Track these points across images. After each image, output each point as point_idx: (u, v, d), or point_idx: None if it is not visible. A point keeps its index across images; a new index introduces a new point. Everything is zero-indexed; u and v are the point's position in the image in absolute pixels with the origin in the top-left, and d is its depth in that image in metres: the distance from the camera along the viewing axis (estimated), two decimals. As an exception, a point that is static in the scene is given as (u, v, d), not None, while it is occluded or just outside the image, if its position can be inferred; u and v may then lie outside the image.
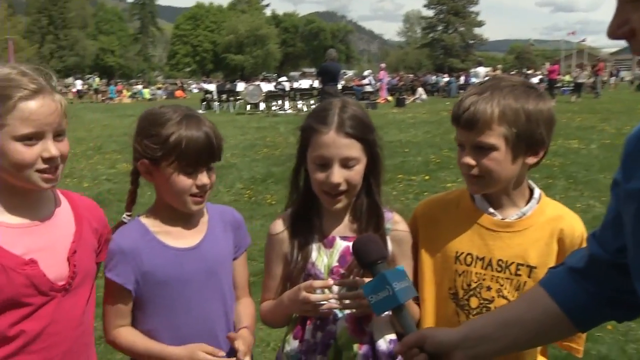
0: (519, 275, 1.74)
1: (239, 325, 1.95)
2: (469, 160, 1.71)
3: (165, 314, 1.85)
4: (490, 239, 1.78)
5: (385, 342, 1.83)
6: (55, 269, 1.63)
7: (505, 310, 1.50)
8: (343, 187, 1.80)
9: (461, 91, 30.14)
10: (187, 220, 1.91)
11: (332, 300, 1.76)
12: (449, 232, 1.84)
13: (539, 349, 1.83)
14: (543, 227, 1.76)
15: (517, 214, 1.78)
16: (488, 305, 1.77)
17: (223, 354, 1.79)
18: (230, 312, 1.96)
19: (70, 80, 52.53)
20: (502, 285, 1.76)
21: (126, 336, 1.85)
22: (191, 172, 1.79)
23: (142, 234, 1.86)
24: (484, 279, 1.77)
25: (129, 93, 42.91)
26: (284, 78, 37.15)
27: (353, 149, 1.79)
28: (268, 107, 24.38)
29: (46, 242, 1.64)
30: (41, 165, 1.57)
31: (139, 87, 46.58)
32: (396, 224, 1.92)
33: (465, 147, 1.73)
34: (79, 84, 45.00)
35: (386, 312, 1.53)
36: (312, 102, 23.73)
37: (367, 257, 1.55)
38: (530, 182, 1.85)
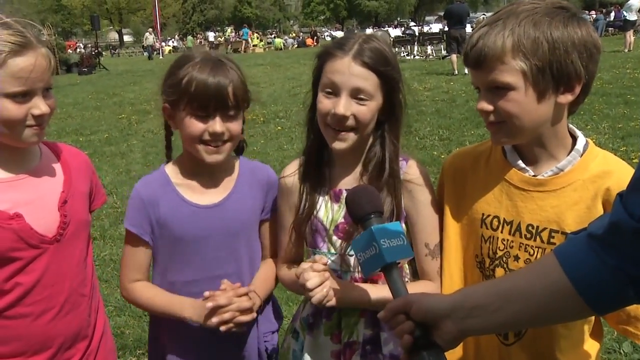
0: (553, 243, 1.43)
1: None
2: (484, 104, 1.41)
3: (180, 269, 1.79)
4: (519, 200, 1.48)
5: None
6: (44, 221, 1.61)
7: (507, 280, 1.25)
8: (350, 122, 1.59)
9: (609, 29, 27.34)
10: (212, 174, 1.82)
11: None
12: (476, 190, 1.56)
13: (587, 330, 1.53)
14: (585, 186, 1.42)
15: (553, 170, 1.46)
16: None
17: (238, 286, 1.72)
18: (249, 274, 1.85)
19: (209, 33, 54.53)
20: (532, 255, 1.46)
21: (144, 291, 1.81)
22: (203, 116, 1.70)
23: (163, 184, 1.80)
24: (511, 247, 1.49)
25: (258, 42, 43.52)
26: (412, 23, 36.01)
27: (368, 81, 1.58)
28: (395, 53, 23.69)
29: (33, 195, 1.62)
30: (31, 122, 1.54)
31: (272, 36, 47.45)
32: (407, 173, 1.68)
33: (480, 90, 1.44)
34: (211, 36, 46.36)
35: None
36: (441, 47, 22.77)
37: (357, 211, 1.37)
38: (573, 128, 1.50)
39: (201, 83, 1.67)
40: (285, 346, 1.84)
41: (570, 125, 1.50)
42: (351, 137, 1.62)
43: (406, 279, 1.72)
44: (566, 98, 1.40)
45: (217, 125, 1.69)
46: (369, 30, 30.81)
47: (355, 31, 1.65)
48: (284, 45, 42.37)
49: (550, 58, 1.35)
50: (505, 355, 1.53)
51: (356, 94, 1.58)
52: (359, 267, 1.36)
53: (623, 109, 9.40)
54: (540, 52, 1.34)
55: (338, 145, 1.63)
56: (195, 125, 1.69)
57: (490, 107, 1.41)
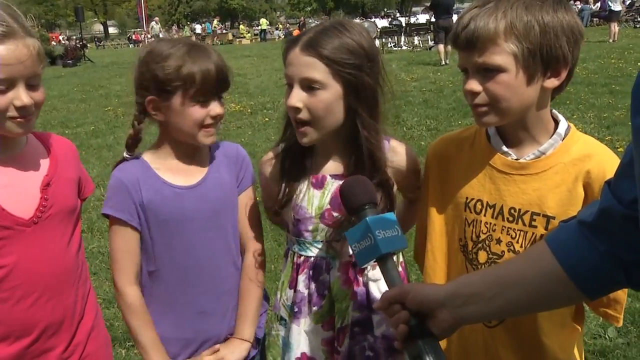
0: (534, 226, 1.46)
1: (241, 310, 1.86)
2: (474, 85, 1.41)
3: (167, 254, 1.79)
4: (502, 183, 1.50)
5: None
6: (21, 204, 1.60)
7: (501, 268, 1.28)
8: (304, 115, 1.57)
9: (594, 19, 27.46)
10: (190, 157, 1.83)
11: None
12: (460, 174, 1.58)
13: (569, 313, 1.56)
14: (566, 169, 1.45)
15: (535, 153, 1.48)
16: (497, 260, 1.50)
17: None
18: (236, 251, 1.88)
19: (196, 25, 53.84)
20: (513, 238, 1.49)
21: (135, 313, 1.78)
22: (203, 102, 1.72)
23: (144, 169, 1.80)
24: (493, 230, 1.51)
25: (246, 33, 43.14)
26: (399, 14, 36.05)
27: (315, 70, 1.54)
28: (382, 44, 23.71)
29: (13, 179, 1.61)
30: (14, 113, 1.53)
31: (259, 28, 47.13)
32: (394, 154, 1.68)
33: (468, 72, 1.44)
34: (198, 28, 45.57)
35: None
36: (428, 37, 22.80)
37: (352, 202, 1.37)
38: (556, 112, 1.52)
39: (205, 70, 1.69)
40: (273, 334, 1.84)
41: (554, 110, 1.52)
42: (311, 131, 1.60)
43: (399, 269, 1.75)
44: (552, 82, 1.42)
45: (217, 108, 1.74)
46: (357, 20, 30.81)
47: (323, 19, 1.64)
48: (268, 25, 42.07)
49: (541, 42, 1.36)
50: (489, 338, 1.56)
51: (306, 84, 1.56)
52: (354, 257, 1.36)
53: (608, 98, 9.48)
54: (532, 35, 1.36)
55: (302, 140, 1.63)
56: (198, 112, 1.71)
57: (479, 88, 1.41)
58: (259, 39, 41.24)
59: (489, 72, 1.40)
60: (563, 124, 1.50)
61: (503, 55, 1.37)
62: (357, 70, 1.57)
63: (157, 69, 1.71)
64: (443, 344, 1.59)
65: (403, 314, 1.23)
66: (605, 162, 1.42)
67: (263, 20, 42.91)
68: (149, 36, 33.41)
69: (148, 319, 1.79)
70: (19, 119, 1.54)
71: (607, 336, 3.33)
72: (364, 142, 1.62)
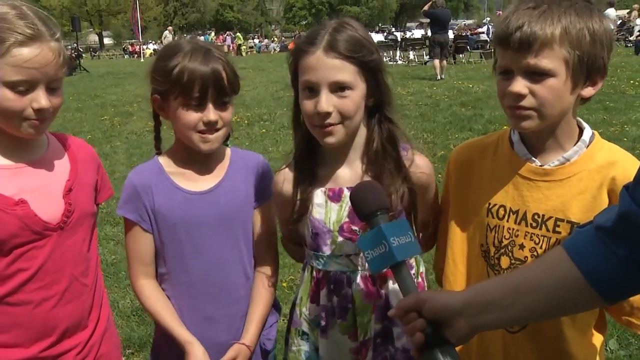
0: (558, 232, 1.46)
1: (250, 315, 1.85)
2: (521, 87, 1.39)
3: (176, 257, 1.80)
4: (525, 189, 1.50)
5: None
6: (48, 208, 1.61)
7: (517, 275, 1.28)
8: (334, 118, 1.54)
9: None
10: (204, 162, 1.83)
11: None
12: (482, 180, 1.59)
13: (592, 320, 1.56)
14: (591, 175, 1.46)
15: (559, 160, 1.49)
16: (520, 266, 1.50)
17: None
18: (248, 261, 1.87)
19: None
20: (537, 244, 1.49)
21: (150, 299, 1.82)
22: (196, 106, 1.70)
23: (157, 172, 1.81)
24: (516, 236, 1.52)
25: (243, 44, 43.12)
26: (394, 29, 36.32)
27: (344, 71, 1.52)
28: (378, 59, 23.72)
29: (38, 183, 1.62)
30: (31, 115, 1.53)
31: (255, 41, 47.33)
32: (414, 164, 1.65)
33: (514, 73, 1.41)
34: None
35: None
36: (423, 52, 22.94)
37: (364, 208, 1.36)
38: (580, 120, 1.53)
39: (193, 73, 1.67)
40: (294, 349, 1.80)
41: (578, 118, 1.53)
42: (339, 129, 1.56)
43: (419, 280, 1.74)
44: (589, 92, 1.43)
45: (211, 114, 1.70)
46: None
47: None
48: (243, 38, 41.27)
49: (589, 50, 1.37)
50: (510, 343, 1.55)
51: (336, 88, 1.52)
52: (367, 265, 1.35)
53: (603, 114, 9.56)
54: (583, 43, 1.37)
55: (329, 140, 1.57)
56: (190, 116, 1.70)
57: (526, 91, 1.40)
58: (254, 51, 41.15)
59: (538, 76, 1.38)
60: (588, 131, 1.51)
61: (556, 60, 1.37)
62: (375, 65, 1.57)
63: (158, 69, 1.73)
64: (462, 348, 1.59)
65: (419, 322, 1.23)
66: (630, 169, 1.41)
67: (238, 35, 42.38)
68: (124, 48, 33.01)
69: (166, 302, 1.81)
70: (34, 121, 1.55)
71: (608, 348, 3.33)
72: (388, 144, 1.61)
